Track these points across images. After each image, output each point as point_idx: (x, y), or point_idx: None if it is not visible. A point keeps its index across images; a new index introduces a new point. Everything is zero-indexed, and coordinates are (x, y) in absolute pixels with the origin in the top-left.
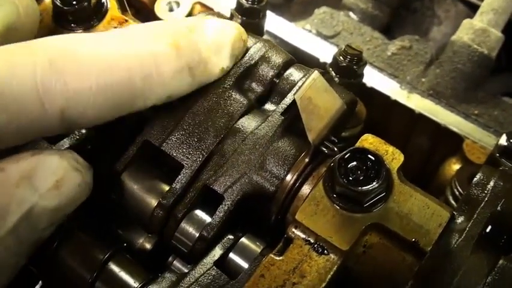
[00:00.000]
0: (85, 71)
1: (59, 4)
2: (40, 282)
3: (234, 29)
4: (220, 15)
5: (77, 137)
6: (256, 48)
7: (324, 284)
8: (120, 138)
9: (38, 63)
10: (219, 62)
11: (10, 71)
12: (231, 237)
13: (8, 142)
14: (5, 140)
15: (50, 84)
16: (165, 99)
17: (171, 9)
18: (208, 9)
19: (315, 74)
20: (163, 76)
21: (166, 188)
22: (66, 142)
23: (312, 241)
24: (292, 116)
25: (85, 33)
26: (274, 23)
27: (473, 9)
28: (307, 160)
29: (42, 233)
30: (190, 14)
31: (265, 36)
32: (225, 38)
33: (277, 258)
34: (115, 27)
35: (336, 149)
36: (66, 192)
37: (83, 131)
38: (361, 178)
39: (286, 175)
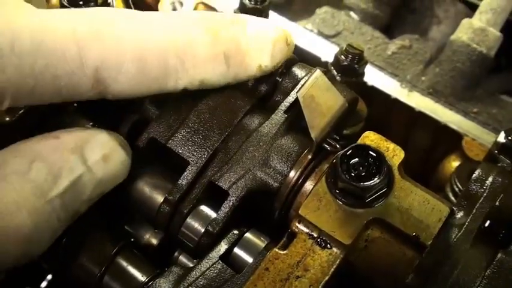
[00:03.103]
0: (121, 38)
1: (66, 4)
2: (47, 277)
3: (279, 31)
4: None
5: None
6: None
7: (327, 277)
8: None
9: (78, 22)
10: (258, 58)
11: (53, 24)
12: (236, 232)
13: (42, 95)
14: (40, 90)
15: (88, 42)
16: (198, 84)
17: (174, 9)
18: (211, 9)
19: (317, 72)
20: (198, 59)
21: (172, 184)
22: None
23: (315, 235)
24: (295, 113)
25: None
26: (276, 22)
27: (472, 8)
28: (310, 157)
29: (82, 205)
30: None
31: None
32: (267, 36)
33: (281, 252)
34: None
35: (338, 145)
36: (111, 167)
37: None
38: (363, 174)
39: (289, 171)
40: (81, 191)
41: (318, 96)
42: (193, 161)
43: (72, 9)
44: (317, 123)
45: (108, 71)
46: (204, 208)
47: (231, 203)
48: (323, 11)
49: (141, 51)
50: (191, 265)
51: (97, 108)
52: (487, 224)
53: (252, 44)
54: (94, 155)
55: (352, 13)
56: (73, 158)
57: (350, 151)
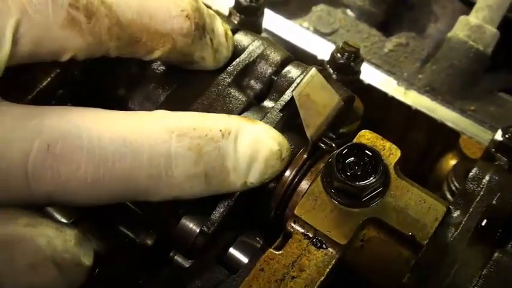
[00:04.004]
0: (83, 161)
1: None
2: None
3: (274, 145)
4: (218, 13)
5: None
6: (254, 46)
7: (322, 278)
8: None
9: (35, 144)
10: (244, 176)
11: (4, 146)
12: (231, 232)
13: None
14: None
15: (42, 171)
16: (170, 199)
17: None
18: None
19: (313, 71)
20: (173, 179)
21: None
22: None
23: (310, 235)
24: (290, 112)
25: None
26: (272, 20)
27: (469, 6)
28: (305, 156)
29: None
30: None
31: (263, 34)
32: (259, 152)
33: (277, 252)
34: None
35: (333, 145)
36: (40, 280)
37: None
38: (359, 173)
39: (284, 171)
40: None
41: (314, 95)
42: None
43: (36, 119)
44: (313, 122)
45: (63, 196)
46: (199, 208)
47: (226, 203)
48: (319, 9)
49: (105, 173)
50: (186, 265)
51: None
52: (483, 223)
53: (240, 160)
54: (20, 261)
55: (348, 11)
56: None
57: (346, 150)
